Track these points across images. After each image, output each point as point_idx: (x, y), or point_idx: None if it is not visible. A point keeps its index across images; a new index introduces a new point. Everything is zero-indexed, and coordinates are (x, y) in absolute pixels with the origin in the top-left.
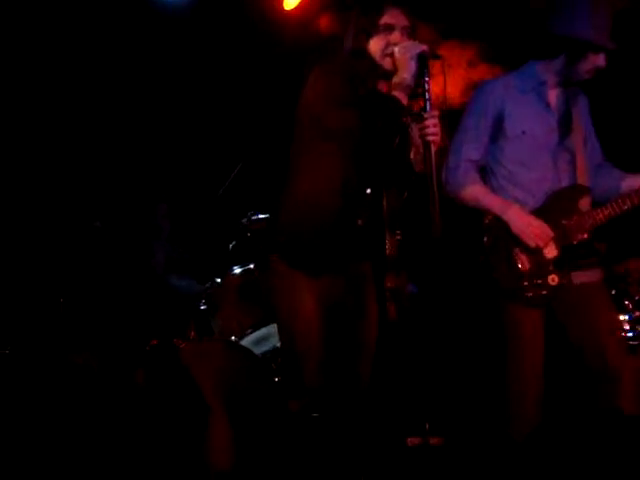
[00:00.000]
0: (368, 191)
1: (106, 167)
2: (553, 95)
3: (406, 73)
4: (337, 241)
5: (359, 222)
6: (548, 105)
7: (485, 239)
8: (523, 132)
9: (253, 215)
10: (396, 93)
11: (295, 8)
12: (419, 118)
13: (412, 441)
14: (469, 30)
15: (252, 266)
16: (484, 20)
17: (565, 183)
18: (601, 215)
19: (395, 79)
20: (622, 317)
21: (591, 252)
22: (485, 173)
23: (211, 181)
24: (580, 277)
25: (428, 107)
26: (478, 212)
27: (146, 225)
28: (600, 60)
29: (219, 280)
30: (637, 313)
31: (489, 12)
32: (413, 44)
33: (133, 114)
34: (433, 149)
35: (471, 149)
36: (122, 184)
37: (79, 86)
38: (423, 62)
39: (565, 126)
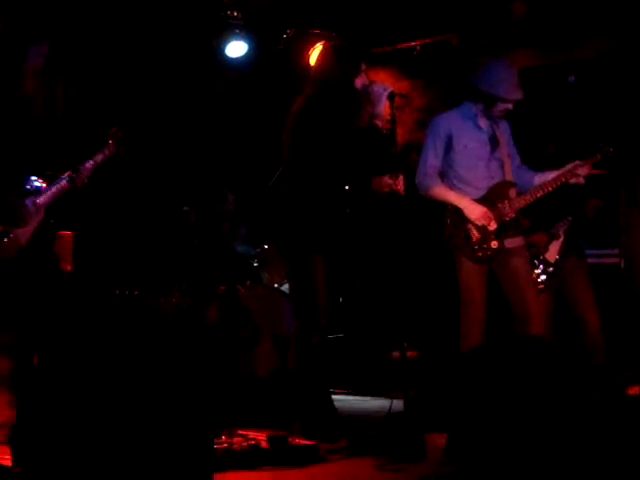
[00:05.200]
0: (346, 187)
1: (191, 167)
2: (483, 122)
3: (381, 107)
4: (330, 223)
5: (347, 210)
6: (480, 128)
7: (448, 220)
8: (465, 146)
9: None
10: (377, 122)
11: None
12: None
13: (395, 355)
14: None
15: None
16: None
17: (496, 180)
18: (523, 201)
19: (374, 111)
20: (535, 270)
21: (518, 226)
22: (443, 176)
23: (259, 180)
24: (510, 243)
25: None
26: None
27: (217, 208)
28: (508, 106)
29: (266, 247)
30: (541, 267)
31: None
32: (385, 86)
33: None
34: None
35: (432, 159)
36: (203, 180)
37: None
38: (392, 98)
39: (493, 142)
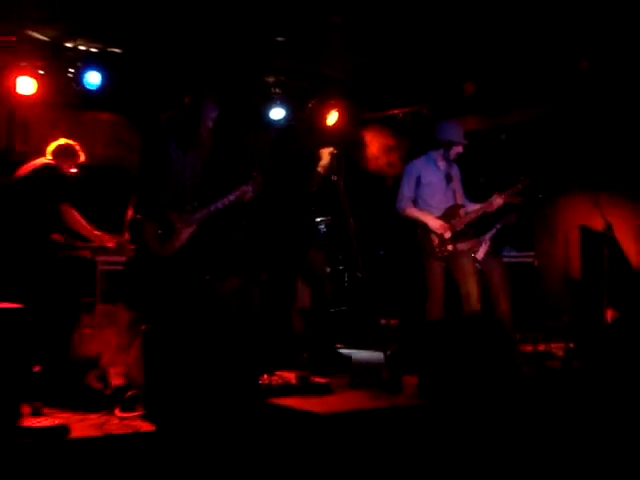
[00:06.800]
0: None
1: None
2: (442, 164)
3: (325, 162)
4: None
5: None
6: (439, 169)
7: (418, 231)
8: (429, 181)
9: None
10: (319, 170)
11: (332, 125)
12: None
13: (381, 321)
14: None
15: None
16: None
17: (450, 203)
18: (468, 218)
19: (320, 164)
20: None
21: (466, 234)
22: (414, 202)
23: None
24: (460, 246)
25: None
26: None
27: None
28: (459, 149)
29: None
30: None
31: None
32: (328, 148)
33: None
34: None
35: (406, 192)
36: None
37: None
38: (333, 156)
39: (448, 178)
